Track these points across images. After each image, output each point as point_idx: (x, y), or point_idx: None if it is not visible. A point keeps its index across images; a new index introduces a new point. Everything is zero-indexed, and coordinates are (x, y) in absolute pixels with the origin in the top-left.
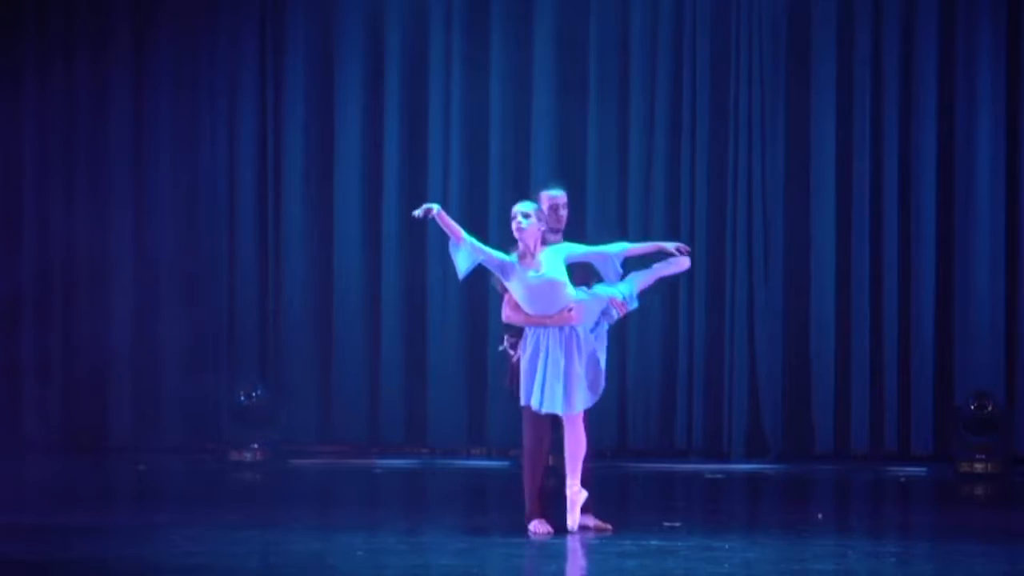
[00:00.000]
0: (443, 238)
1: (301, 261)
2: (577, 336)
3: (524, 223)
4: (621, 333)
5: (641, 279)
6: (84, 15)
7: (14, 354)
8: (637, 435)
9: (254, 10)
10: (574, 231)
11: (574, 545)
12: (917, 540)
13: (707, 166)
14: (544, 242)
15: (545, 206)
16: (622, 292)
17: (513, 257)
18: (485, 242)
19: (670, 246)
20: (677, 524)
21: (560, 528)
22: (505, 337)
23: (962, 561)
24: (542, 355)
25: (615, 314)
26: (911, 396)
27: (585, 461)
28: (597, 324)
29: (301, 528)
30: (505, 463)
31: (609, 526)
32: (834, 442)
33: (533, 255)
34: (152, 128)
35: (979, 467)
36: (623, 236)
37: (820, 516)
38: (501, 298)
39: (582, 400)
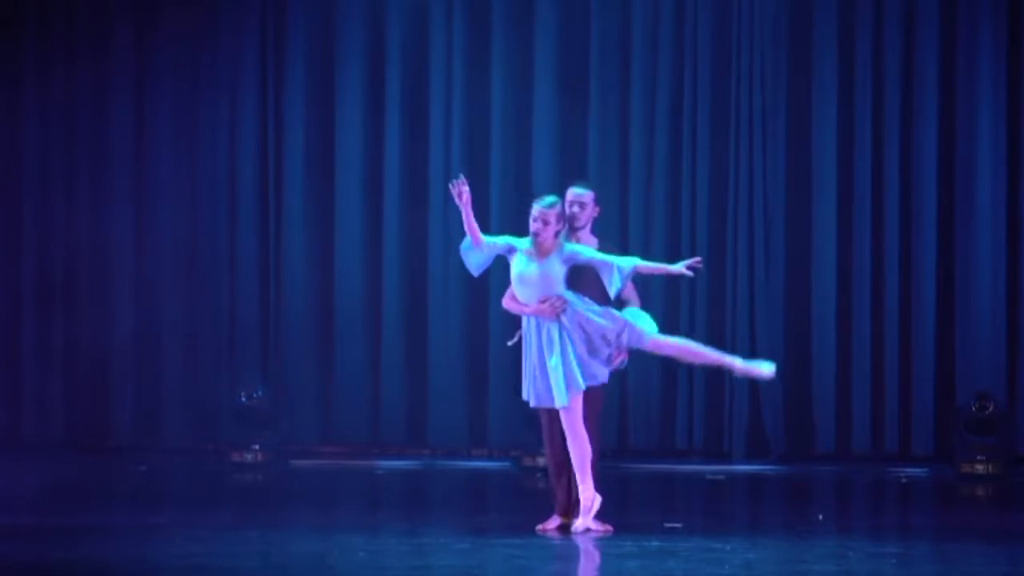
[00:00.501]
0: (443, 238)
1: (302, 262)
2: (550, 331)
3: (540, 228)
4: None
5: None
6: (85, 15)
7: (15, 354)
8: (638, 435)
9: (254, 10)
10: None
11: (575, 546)
12: (918, 541)
13: (708, 166)
14: (570, 237)
15: (566, 203)
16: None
17: (525, 243)
18: None
19: (681, 267)
20: (678, 525)
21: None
22: (516, 333)
23: (963, 562)
24: (525, 348)
25: (607, 353)
26: (912, 397)
27: (594, 464)
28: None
29: (302, 529)
30: (506, 464)
31: (610, 527)
32: (835, 443)
33: (542, 253)
34: (153, 128)
35: (980, 468)
36: (623, 236)
37: (821, 517)
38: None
39: (548, 397)
